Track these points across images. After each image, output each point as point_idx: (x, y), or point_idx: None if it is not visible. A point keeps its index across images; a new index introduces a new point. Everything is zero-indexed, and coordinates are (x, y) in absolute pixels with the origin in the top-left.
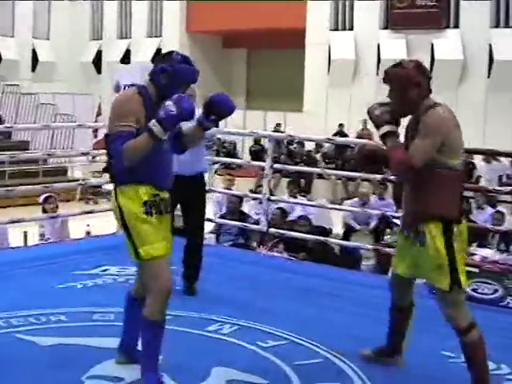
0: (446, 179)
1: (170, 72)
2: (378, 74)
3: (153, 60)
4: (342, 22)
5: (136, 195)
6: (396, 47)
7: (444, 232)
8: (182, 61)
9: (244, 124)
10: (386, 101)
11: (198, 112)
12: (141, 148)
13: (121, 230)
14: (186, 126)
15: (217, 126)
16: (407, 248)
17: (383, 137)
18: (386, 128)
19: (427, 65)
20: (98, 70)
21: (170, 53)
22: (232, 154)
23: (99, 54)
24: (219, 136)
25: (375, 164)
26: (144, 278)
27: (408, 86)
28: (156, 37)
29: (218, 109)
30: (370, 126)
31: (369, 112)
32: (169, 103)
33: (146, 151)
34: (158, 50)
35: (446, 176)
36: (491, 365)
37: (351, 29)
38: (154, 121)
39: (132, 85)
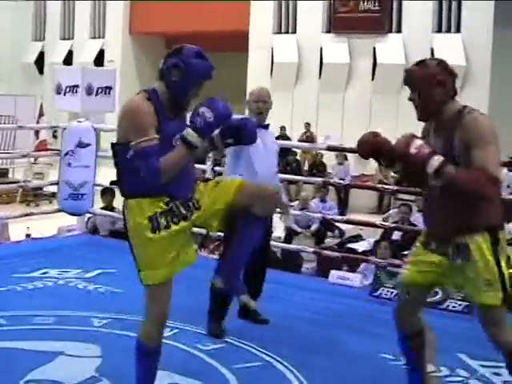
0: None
1: (182, 67)
2: (320, 77)
3: (95, 61)
4: (285, 25)
5: (141, 210)
6: (339, 51)
7: (492, 244)
8: (195, 55)
9: None
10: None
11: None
12: (180, 161)
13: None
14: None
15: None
16: (437, 264)
17: (438, 170)
18: (437, 159)
19: (369, 69)
20: (41, 70)
21: (181, 47)
22: None
23: (42, 54)
24: None
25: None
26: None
27: (430, 85)
28: (99, 38)
29: (241, 135)
30: (313, 128)
31: (399, 150)
32: (203, 109)
33: (182, 164)
34: (101, 52)
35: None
36: (430, 367)
37: (294, 32)
38: (189, 130)
39: (74, 86)
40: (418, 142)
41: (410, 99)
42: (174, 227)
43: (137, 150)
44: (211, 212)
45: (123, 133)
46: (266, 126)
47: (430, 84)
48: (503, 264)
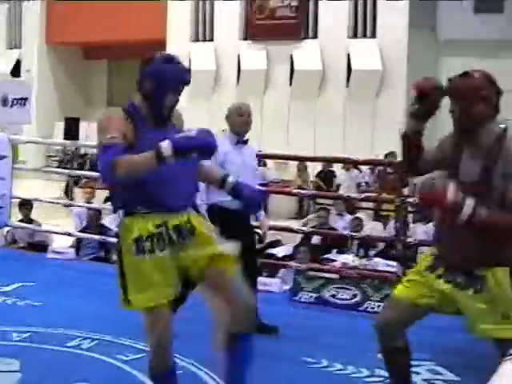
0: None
1: (154, 75)
2: (237, 84)
3: (12, 72)
4: (203, 33)
5: (129, 231)
6: (256, 58)
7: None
8: (165, 61)
9: None
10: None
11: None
12: (141, 164)
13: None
14: None
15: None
16: (441, 291)
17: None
18: (470, 204)
19: (287, 75)
20: None
21: (152, 55)
22: (94, 166)
23: None
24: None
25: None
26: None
27: (474, 98)
28: (15, 48)
29: (247, 200)
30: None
31: (436, 197)
32: (190, 129)
33: (145, 169)
34: (18, 62)
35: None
36: (352, 368)
37: (211, 40)
38: (166, 140)
39: None
40: (453, 188)
41: (451, 111)
42: (158, 253)
43: (98, 149)
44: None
45: (97, 144)
46: (246, 141)
47: (474, 97)
48: None
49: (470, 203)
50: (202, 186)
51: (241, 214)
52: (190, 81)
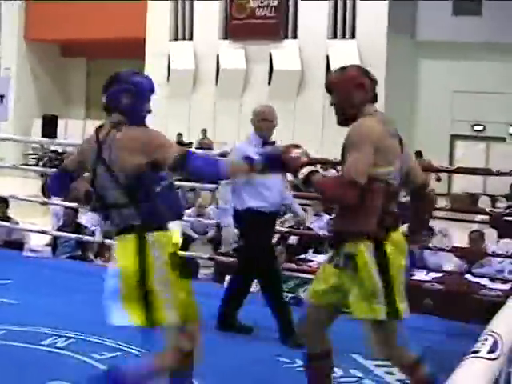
0: (372, 192)
1: (132, 89)
2: (217, 83)
3: None
4: (182, 32)
5: (164, 244)
6: (235, 57)
7: (375, 252)
8: (134, 75)
9: (83, 134)
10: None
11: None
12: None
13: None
14: None
15: None
16: (332, 275)
17: (307, 177)
18: (308, 168)
19: (266, 75)
20: None
21: (116, 74)
22: None
23: None
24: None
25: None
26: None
27: (350, 88)
28: None
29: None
30: (210, 135)
31: (283, 156)
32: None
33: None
34: None
35: (373, 189)
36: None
37: (191, 39)
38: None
39: None
40: (298, 150)
41: (332, 103)
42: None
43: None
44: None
45: (136, 162)
46: (273, 143)
47: (348, 87)
48: (393, 274)
49: (308, 168)
50: (231, 191)
51: (274, 218)
52: (154, 90)
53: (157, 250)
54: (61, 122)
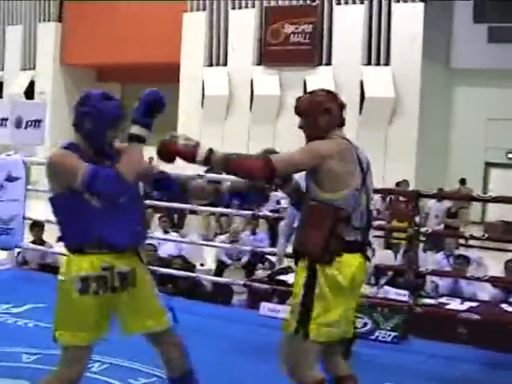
0: (317, 213)
1: (92, 113)
2: (251, 109)
3: (26, 93)
4: (216, 57)
5: (77, 267)
6: (269, 83)
7: (308, 273)
8: (101, 98)
9: None
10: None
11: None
12: (140, 158)
13: None
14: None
15: None
16: None
17: (207, 156)
18: (205, 148)
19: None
20: None
21: (87, 94)
22: None
23: None
24: None
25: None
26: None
27: (318, 112)
28: (30, 69)
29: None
30: None
31: (167, 148)
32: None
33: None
34: (32, 83)
35: (318, 210)
36: None
37: (225, 64)
38: (131, 126)
39: (3, 119)
40: (182, 140)
41: (299, 127)
42: (99, 294)
43: (84, 181)
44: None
45: (56, 185)
46: None
47: (315, 111)
48: (323, 295)
49: (204, 149)
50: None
51: None
52: (125, 116)
53: (71, 271)
54: None
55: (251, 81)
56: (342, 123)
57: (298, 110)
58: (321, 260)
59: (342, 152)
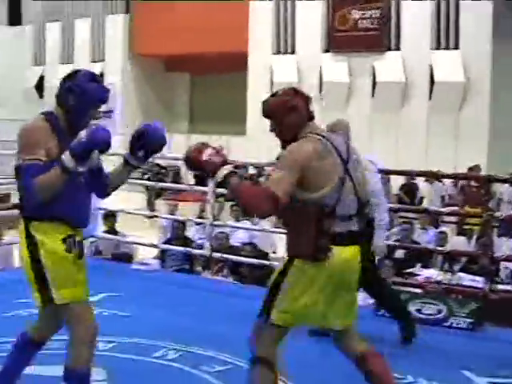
0: (302, 214)
1: (77, 92)
2: (320, 96)
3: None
4: (284, 45)
5: (55, 231)
6: (338, 70)
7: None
8: (89, 79)
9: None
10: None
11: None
12: (53, 181)
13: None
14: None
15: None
16: None
17: (227, 177)
18: (227, 168)
19: (369, 87)
20: (41, 95)
21: (76, 72)
22: (176, 178)
23: (42, 78)
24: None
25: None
26: (66, 322)
27: (284, 112)
28: (99, 61)
29: (147, 142)
30: None
31: (191, 156)
32: (82, 133)
33: (60, 185)
34: (101, 75)
35: (302, 211)
36: None
37: (293, 52)
38: (66, 152)
39: None
40: (210, 150)
41: (271, 129)
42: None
43: (23, 168)
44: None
45: (18, 154)
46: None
47: (282, 111)
48: (284, 285)
49: (227, 167)
50: None
51: None
52: (107, 100)
53: (50, 234)
54: None
55: (320, 68)
56: (310, 117)
57: (266, 114)
58: (316, 260)
59: (318, 152)
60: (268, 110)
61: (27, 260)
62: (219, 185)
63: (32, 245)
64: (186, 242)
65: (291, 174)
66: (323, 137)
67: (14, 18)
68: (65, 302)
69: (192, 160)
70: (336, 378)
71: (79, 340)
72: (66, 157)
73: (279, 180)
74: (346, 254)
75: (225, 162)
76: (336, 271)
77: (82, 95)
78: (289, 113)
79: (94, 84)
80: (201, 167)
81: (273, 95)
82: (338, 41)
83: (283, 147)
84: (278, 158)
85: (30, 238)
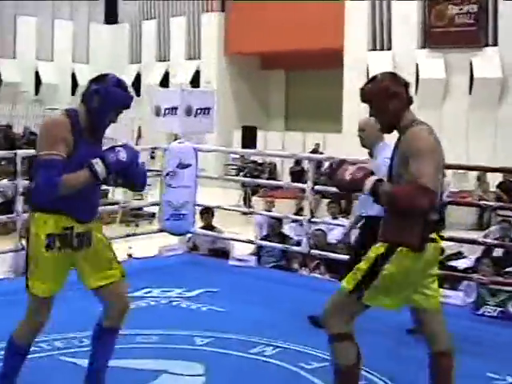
0: None
1: (103, 94)
2: (416, 93)
3: (192, 82)
4: (380, 41)
5: (43, 225)
6: (434, 66)
7: (385, 251)
8: (116, 84)
9: (283, 145)
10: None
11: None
12: (80, 183)
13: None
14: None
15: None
16: None
17: (374, 188)
18: (371, 180)
19: (466, 83)
20: (138, 92)
21: (105, 75)
22: (272, 175)
23: (138, 76)
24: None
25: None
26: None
27: (386, 98)
28: (194, 59)
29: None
30: None
31: (336, 180)
32: (119, 149)
33: (82, 187)
34: (197, 72)
35: None
36: None
37: (389, 49)
38: (98, 160)
39: (173, 107)
40: (350, 167)
41: (371, 115)
42: (63, 252)
43: (41, 161)
44: (87, 275)
45: (38, 146)
46: (370, 154)
47: (383, 98)
48: (387, 276)
49: (371, 179)
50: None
51: None
52: (130, 106)
53: (38, 227)
54: (260, 134)
55: (416, 64)
56: (410, 102)
57: (366, 99)
58: (419, 250)
59: (438, 142)
60: (368, 95)
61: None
62: (316, 182)
63: (27, 234)
64: (283, 238)
65: (432, 160)
66: (429, 126)
67: (111, 17)
68: (31, 293)
69: (340, 182)
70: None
71: (25, 325)
72: (99, 166)
73: (427, 169)
74: (434, 244)
75: (369, 174)
76: (429, 260)
77: (106, 98)
78: (390, 99)
79: (120, 89)
80: (346, 186)
81: (371, 80)
82: (434, 37)
83: (384, 132)
84: (409, 147)
85: (28, 227)
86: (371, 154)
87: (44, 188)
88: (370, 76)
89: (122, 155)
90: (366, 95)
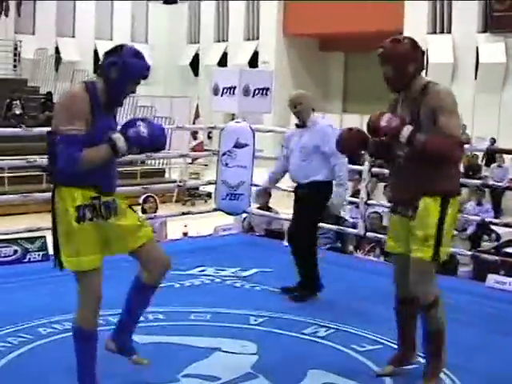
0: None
1: (120, 65)
2: (476, 78)
3: (250, 63)
4: (440, 24)
5: (71, 198)
6: (495, 51)
7: (440, 206)
8: (133, 55)
9: (341, 127)
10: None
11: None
12: (101, 159)
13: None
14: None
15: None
16: (404, 227)
17: (410, 138)
18: (408, 128)
19: None
20: (196, 72)
21: (122, 46)
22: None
23: (196, 57)
24: None
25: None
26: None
27: (407, 61)
28: (253, 40)
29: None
30: (469, 130)
31: (373, 125)
32: (140, 123)
33: (102, 162)
34: (255, 53)
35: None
36: None
37: (449, 32)
38: (119, 135)
39: (231, 87)
40: (387, 115)
41: (385, 77)
42: (95, 221)
43: (62, 137)
44: (122, 240)
45: (56, 120)
46: (303, 125)
47: (405, 59)
48: (446, 227)
49: (408, 128)
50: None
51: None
52: (148, 76)
53: (66, 201)
54: (317, 115)
55: (476, 48)
56: (423, 68)
57: (386, 58)
58: (458, 195)
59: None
60: (391, 57)
61: (52, 223)
62: (373, 165)
63: (54, 210)
64: (339, 220)
65: (458, 115)
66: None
67: None
68: (71, 269)
69: (374, 125)
70: None
71: (83, 305)
72: (121, 141)
73: (456, 124)
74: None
75: (404, 122)
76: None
77: (123, 69)
78: (411, 62)
79: (137, 60)
80: (382, 129)
81: (394, 41)
82: (495, 21)
83: (393, 91)
84: (438, 101)
85: (53, 203)
86: (301, 126)
87: (66, 164)
88: (429, 61)
89: (143, 129)
90: (387, 55)
